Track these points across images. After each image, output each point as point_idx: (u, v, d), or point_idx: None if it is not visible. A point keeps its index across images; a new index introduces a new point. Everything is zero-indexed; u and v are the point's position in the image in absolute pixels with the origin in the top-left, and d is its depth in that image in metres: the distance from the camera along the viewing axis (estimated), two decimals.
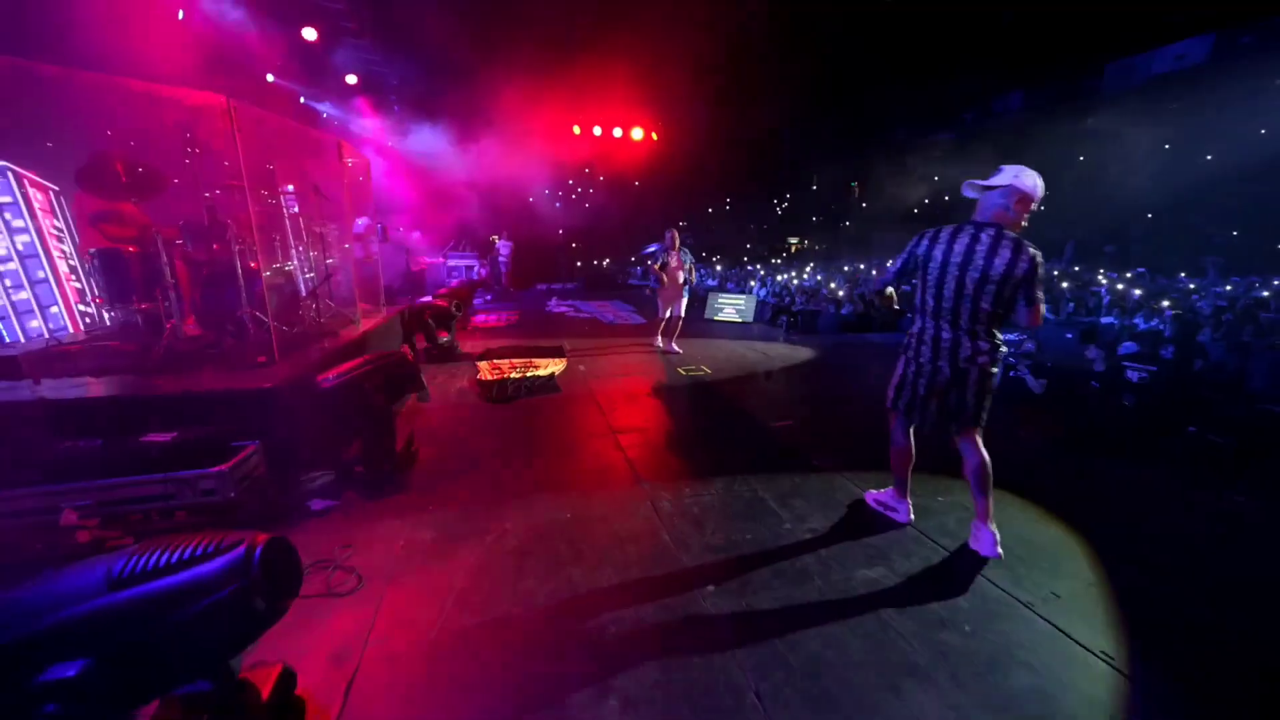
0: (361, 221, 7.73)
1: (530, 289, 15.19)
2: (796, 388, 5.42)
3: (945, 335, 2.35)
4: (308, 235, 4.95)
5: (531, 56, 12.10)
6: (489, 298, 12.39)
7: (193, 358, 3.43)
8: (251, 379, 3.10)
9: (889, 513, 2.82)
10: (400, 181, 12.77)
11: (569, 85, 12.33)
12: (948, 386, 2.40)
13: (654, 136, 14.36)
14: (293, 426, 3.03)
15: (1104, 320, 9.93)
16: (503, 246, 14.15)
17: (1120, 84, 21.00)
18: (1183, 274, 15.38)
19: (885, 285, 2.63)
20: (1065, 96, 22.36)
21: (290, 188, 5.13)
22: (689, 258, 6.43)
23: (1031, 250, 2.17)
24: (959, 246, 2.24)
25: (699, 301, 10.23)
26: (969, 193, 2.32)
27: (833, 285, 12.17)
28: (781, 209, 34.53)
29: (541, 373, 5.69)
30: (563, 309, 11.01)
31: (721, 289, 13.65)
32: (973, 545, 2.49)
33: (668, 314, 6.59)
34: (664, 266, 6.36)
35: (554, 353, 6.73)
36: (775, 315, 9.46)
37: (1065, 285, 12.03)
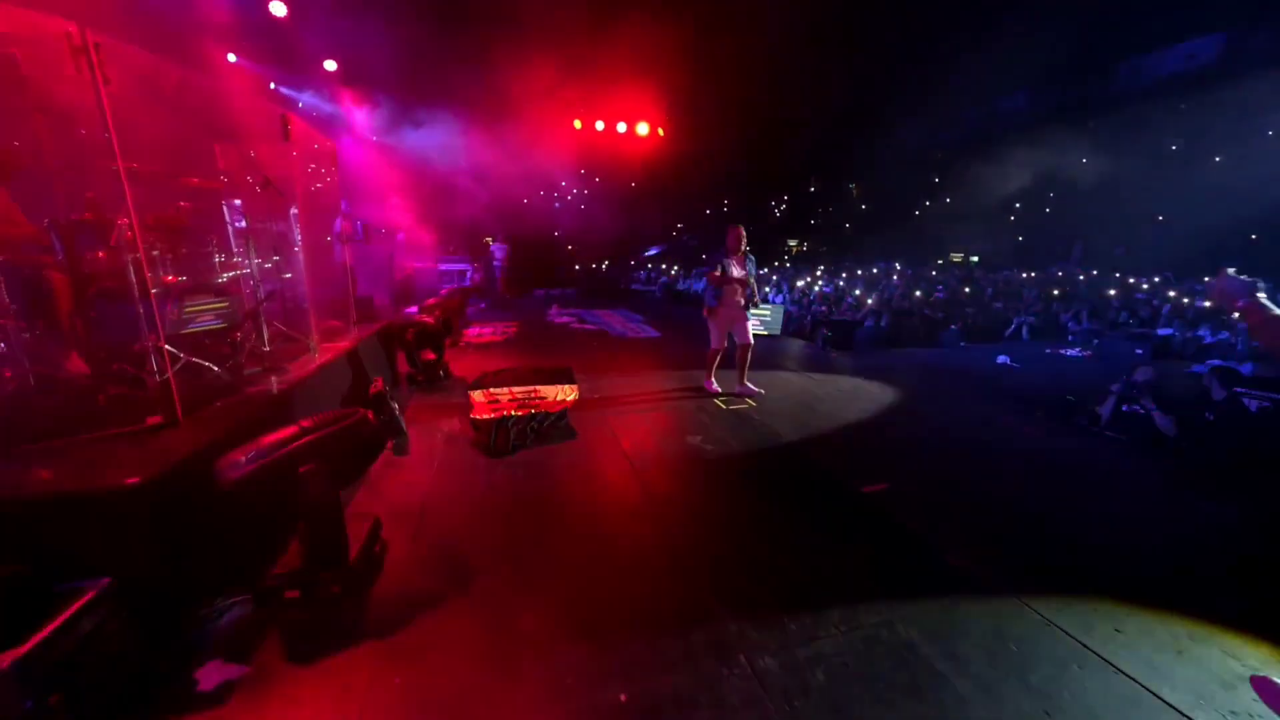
0: (340, 221, 6.63)
1: (527, 295, 14.09)
2: (869, 428, 4.37)
3: None
4: (253, 240, 3.83)
5: (529, 44, 11.06)
6: (483, 306, 11.28)
7: (43, 422, 2.31)
8: (123, 461, 2.00)
9: None
10: (385, 177, 11.63)
11: (570, 75, 11.28)
12: None
13: (660, 132, 13.32)
14: (179, 543, 1.93)
15: (1162, 332, 9.03)
16: (497, 250, 13.04)
17: (1131, 84, 20.36)
18: (1207, 278, 14.64)
19: None
20: (1073, 97, 21.72)
21: (238, 201, 4.01)
22: (753, 267, 4.99)
23: None
24: None
25: None
26: None
27: (858, 292, 11.21)
28: (780, 210, 33.76)
29: (550, 407, 4.60)
30: (565, 319, 9.94)
31: None
32: None
33: (724, 343, 5.09)
34: (724, 277, 4.88)
35: (562, 378, 5.61)
36: (815, 328, 8.37)
37: (1112, 293, 11.13)
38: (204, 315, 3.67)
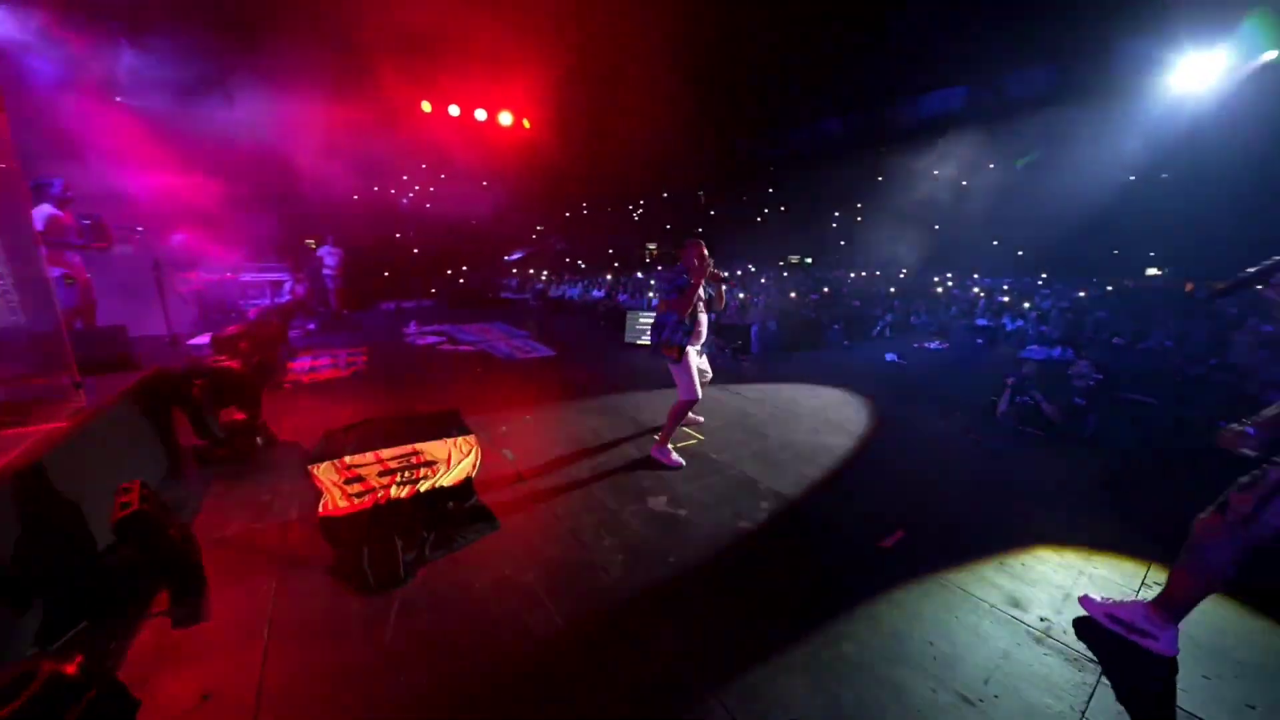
0: (44, 210, 4.17)
1: (372, 310, 11.63)
2: (834, 452, 3.90)
3: None
4: None
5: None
6: (312, 327, 8.82)
7: None
8: None
9: (1144, 640, 1.96)
10: (151, 155, 8.40)
11: (418, 45, 9.39)
12: None
13: (525, 124, 12.03)
14: None
15: (980, 322, 10.64)
16: (328, 255, 10.46)
17: (909, 119, 24.69)
18: (976, 274, 18.27)
19: None
20: (874, 125, 25.69)
21: None
22: (713, 290, 3.72)
23: None
24: None
25: (619, 324, 8.34)
26: None
27: (741, 295, 11.33)
28: (637, 215, 34.45)
29: (445, 479, 3.27)
30: (431, 339, 8.16)
31: (613, 300, 11.97)
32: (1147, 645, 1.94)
33: (698, 392, 3.62)
34: (694, 309, 3.54)
35: (450, 425, 4.23)
36: (736, 339, 7.88)
37: (940, 290, 12.98)
38: None
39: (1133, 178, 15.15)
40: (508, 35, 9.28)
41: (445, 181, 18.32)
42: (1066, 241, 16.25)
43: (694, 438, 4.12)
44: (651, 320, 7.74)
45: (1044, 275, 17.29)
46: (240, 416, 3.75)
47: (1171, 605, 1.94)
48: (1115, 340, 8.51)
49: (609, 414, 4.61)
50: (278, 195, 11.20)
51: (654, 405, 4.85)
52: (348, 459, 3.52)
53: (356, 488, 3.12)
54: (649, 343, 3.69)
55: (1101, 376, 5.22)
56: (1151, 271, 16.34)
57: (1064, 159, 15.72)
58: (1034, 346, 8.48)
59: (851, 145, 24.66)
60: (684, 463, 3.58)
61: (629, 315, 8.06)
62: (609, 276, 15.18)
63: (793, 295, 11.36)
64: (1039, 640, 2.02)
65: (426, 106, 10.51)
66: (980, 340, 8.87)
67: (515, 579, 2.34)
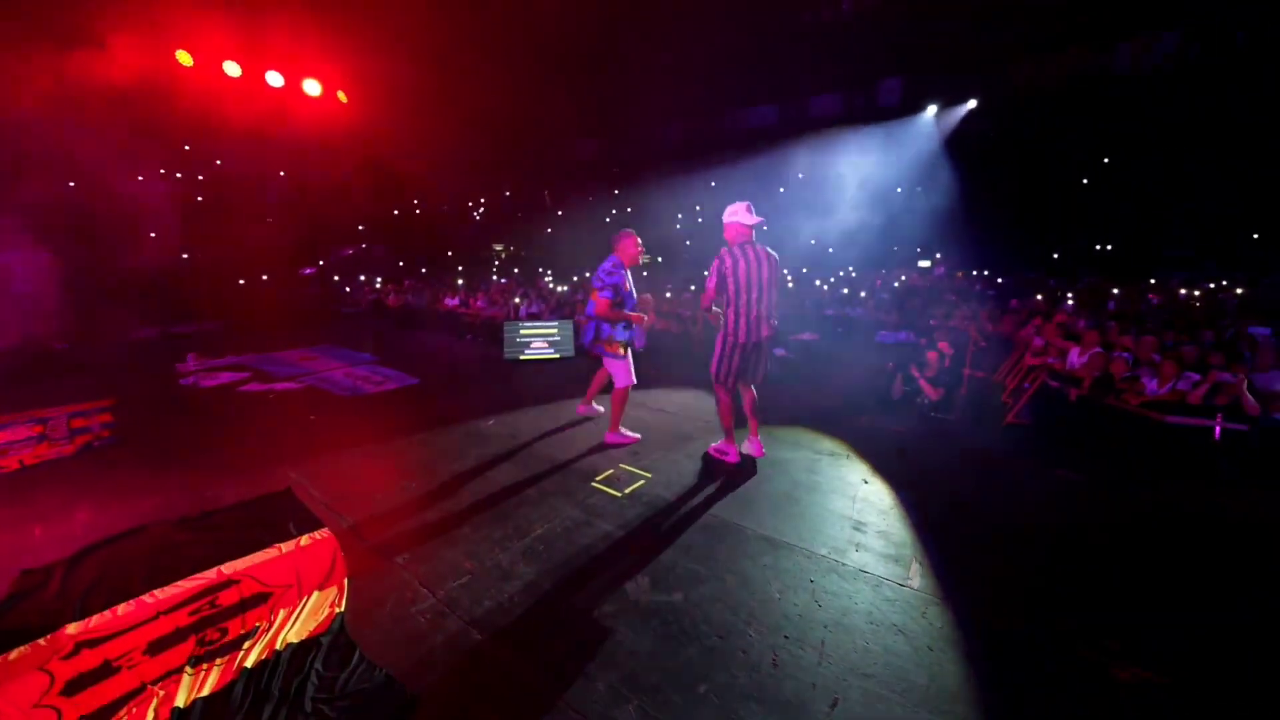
0: None
1: (118, 340, 8.21)
2: (818, 474, 3.44)
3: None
4: None
5: None
6: None
7: None
8: None
9: (726, 457, 3.49)
10: None
11: None
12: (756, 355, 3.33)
13: (341, 97, 9.72)
14: None
15: (826, 312, 11.74)
16: (17, 261, 7.00)
17: (733, 129, 27.08)
18: (806, 269, 20.37)
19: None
20: (709, 132, 27.57)
21: None
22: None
23: None
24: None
25: (497, 340, 6.98)
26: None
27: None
28: (479, 213, 31.96)
29: (294, 627, 1.95)
30: (224, 377, 5.85)
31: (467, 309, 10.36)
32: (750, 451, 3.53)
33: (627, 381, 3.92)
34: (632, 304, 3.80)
35: (282, 520, 2.73)
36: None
37: (791, 286, 14.10)
38: None
39: (899, 189, 18.48)
40: None
41: (224, 167, 14.28)
42: (859, 239, 19.03)
43: (641, 476, 3.32)
44: (550, 326, 6.74)
45: (851, 269, 19.87)
46: None
47: (727, 435, 3.49)
48: (932, 321, 9.86)
49: (527, 461, 3.53)
50: None
51: (584, 437, 3.91)
52: (73, 628, 1.92)
53: (96, 697, 1.64)
54: (584, 342, 3.88)
55: (952, 352, 5.73)
56: (924, 264, 20.17)
57: (851, 172, 18.26)
58: (884, 332, 9.50)
59: (690, 149, 26.04)
60: (640, 436, 3.90)
61: (507, 326, 6.82)
62: (459, 281, 13.34)
63: (668, 295, 11.14)
64: None
65: (185, 58, 7.70)
66: (840, 329, 9.67)
67: None
